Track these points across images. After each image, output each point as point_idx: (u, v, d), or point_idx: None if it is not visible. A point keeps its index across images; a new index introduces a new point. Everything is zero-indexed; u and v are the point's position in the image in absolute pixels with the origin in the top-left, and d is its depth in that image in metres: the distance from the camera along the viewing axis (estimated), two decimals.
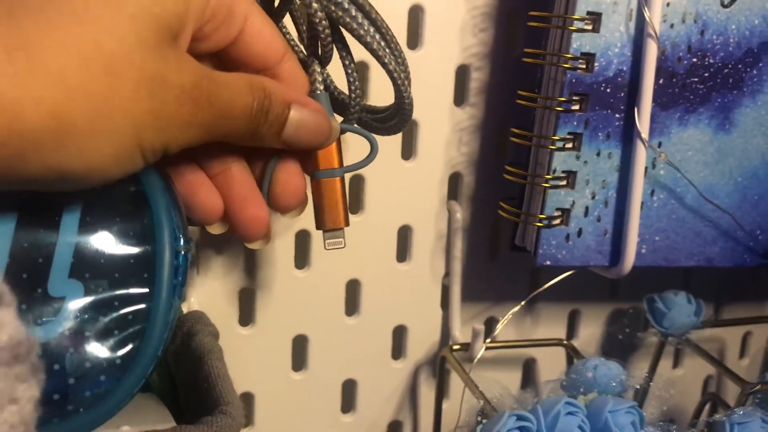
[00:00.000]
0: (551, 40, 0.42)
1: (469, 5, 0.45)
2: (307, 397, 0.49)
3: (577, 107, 0.42)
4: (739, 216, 0.46)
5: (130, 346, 0.30)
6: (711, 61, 0.43)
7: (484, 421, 0.39)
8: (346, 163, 0.36)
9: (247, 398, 0.48)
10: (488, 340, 0.46)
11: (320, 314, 0.48)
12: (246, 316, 0.47)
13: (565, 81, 0.41)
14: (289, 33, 0.38)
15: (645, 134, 0.42)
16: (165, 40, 0.28)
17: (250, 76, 0.32)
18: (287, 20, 0.37)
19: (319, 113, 0.34)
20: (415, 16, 0.45)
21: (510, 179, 0.45)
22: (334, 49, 0.35)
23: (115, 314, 0.29)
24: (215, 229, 0.35)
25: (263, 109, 0.31)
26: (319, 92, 0.35)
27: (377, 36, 0.34)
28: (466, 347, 0.47)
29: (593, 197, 0.44)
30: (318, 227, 0.37)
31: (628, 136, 0.43)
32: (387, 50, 0.35)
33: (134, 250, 0.30)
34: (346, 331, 0.49)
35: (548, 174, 0.43)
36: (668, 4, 0.42)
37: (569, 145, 0.43)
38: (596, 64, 0.41)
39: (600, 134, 0.43)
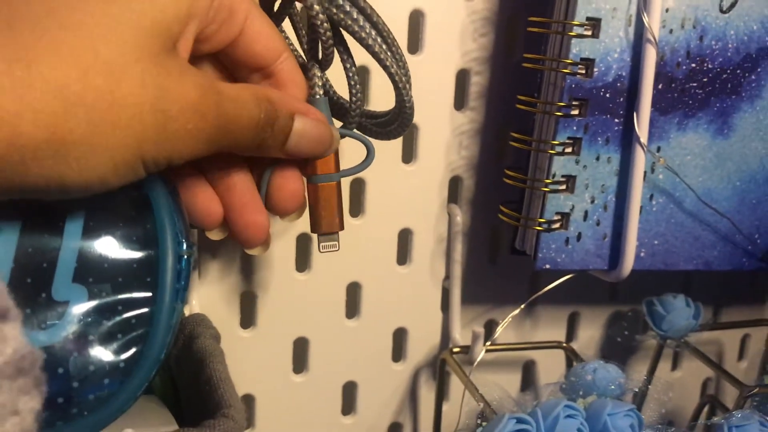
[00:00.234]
0: (551, 46, 0.43)
1: (469, 10, 0.46)
2: (307, 399, 0.50)
3: (576, 112, 0.42)
4: (738, 220, 0.47)
5: (133, 350, 0.30)
6: (710, 66, 0.44)
7: (484, 423, 0.39)
8: (342, 167, 0.37)
9: (248, 400, 0.48)
10: (488, 343, 0.46)
11: (321, 317, 0.48)
12: (247, 319, 0.47)
13: (564, 86, 0.42)
14: (288, 38, 0.38)
15: (644, 139, 0.42)
16: (166, 48, 0.27)
17: (255, 87, 0.31)
18: (287, 26, 0.37)
19: (322, 123, 0.34)
20: (416, 20, 0.45)
21: (510, 183, 0.45)
22: (335, 52, 0.35)
23: (118, 318, 0.30)
24: (215, 235, 0.35)
25: (269, 121, 0.31)
26: (318, 97, 0.35)
27: (379, 39, 0.34)
28: (466, 350, 0.47)
29: (592, 201, 0.44)
30: (313, 230, 0.37)
31: (627, 140, 0.43)
32: (388, 53, 0.34)
33: (137, 254, 0.30)
34: (347, 334, 0.49)
35: (548, 178, 0.43)
36: (667, 10, 0.42)
37: (569, 150, 0.43)
38: (596, 69, 0.42)
39: (599, 139, 0.43)
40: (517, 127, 0.45)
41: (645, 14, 0.41)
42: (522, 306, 0.47)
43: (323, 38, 0.34)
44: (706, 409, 0.53)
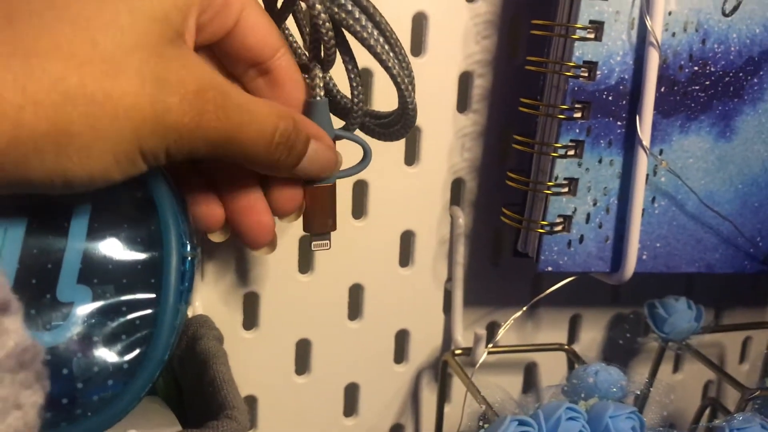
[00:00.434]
0: (554, 48, 0.43)
1: (472, 13, 0.46)
2: (309, 401, 0.50)
3: (579, 115, 0.42)
4: (740, 223, 0.47)
5: (137, 351, 0.30)
6: (712, 69, 0.44)
7: (486, 425, 0.39)
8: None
9: (250, 401, 0.48)
10: (490, 345, 0.46)
11: (323, 318, 0.49)
12: (250, 320, 0.47)
13: (567, 89, 0.42)
14: (292, 35, 0.38)
15: (646, 142, 0.43)
16: (166, 38, 0.27)
17: (279, 105, 0.32)
18: (291, 25, 0.37)
19: (331, 150, 0.35)
20: (419, 23, 0.45)
21: (512, 185, 0.45)
22: (337, 53, 0.35)
23: (122, 319, 0.30)
24: (216, 237, 0.36)
25: (288, 142, 0.31)
26: (318, 98, 0.35)
27: (381, 39, 0.34)
28: (468, 352, 0.47)
29: (595, 204, 0.44)
30: (305, 229, 0.37)
31: (629, 143, 0.43)
32: (391, 54, 0.34)
33: (142, 255, 0.31)
34: (349, 335, 0.49)
35: (550, 181, 0.43)
36: (670, 13, 0.42)
37: (571, 153, 0.43)
38: (598, 72, 0.42)
39: (602, 142, 0.43)
40: (520, 129, 0.45)
41: (648, 17, 0.41)
42: (524, 308, 0.47)
43: (325, 38, 0.33)
44: (707, 411, 0.53)
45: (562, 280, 0.46)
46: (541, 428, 0.36)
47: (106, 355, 0.29)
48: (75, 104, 0.25)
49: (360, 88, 0.36)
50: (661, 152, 0.44)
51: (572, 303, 0.54)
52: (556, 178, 0.43)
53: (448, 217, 0.49)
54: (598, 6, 0.41)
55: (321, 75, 0.35)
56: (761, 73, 0.45)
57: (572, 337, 0.56)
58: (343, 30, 0.34)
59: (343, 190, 0.46)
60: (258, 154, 0.31)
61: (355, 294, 0.49)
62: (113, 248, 0.30)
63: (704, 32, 0.43)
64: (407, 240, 0.49)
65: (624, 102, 0.43)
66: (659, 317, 0.50)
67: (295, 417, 0.50)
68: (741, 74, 0.44)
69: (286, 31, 0.38)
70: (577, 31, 0.41)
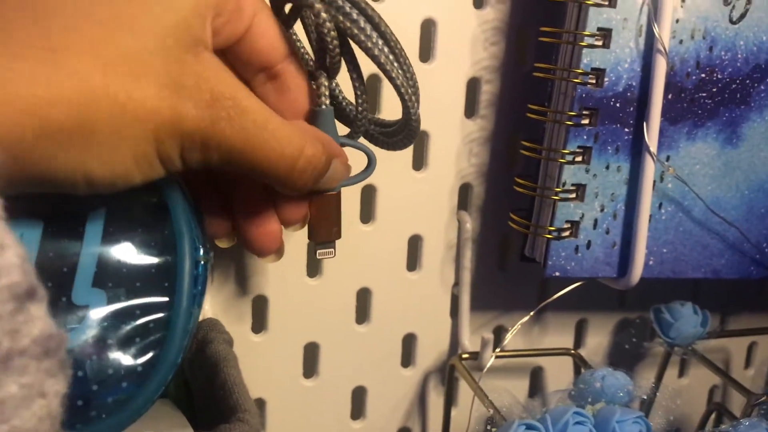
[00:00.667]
0: (562, 55, 0.43)
1: (481, 19, 0.46)
2: (317, 404, 0.50)
3: (586, 121, 0.43)
4: (746, 229, 0.47)
5: (150, 354, 0.30)
6: (719, 76, 0.44)
7: (494, 429, 0.39)
8: None
9: (259, 404, 0.49)
10: (497, 349, 0.46)
11: (331, 322, 0.49)
12: (258, 324, 0.48)
13: (575, 95, 0.42)
14: (300, 41, 0.38)
15: (653, 148, 0.43)
16: (186, 43, 0.27)
17: (310, 131, 0.32)
18: (300, 32, 0.38)
19: (346, 165, 0.35)
20: (428, 29, 0.45)
21: (520, 191, 0.45)
22: (342, 62, 0.35)
23: (136, 322, 0.30)
24: (223, 243, 0.36)
25: (314, 170, 0.32)
26: (324, 107, 0.35)
27: (386, 49, 0.34)
28: (475, 356, 0.47)
29: (602, 210, 0.44)
30: (309, 238, 0.37)
31: (636, 149, 0.44)
32: (395, 64, 0.34)
33: (155, 260, 0.31)
34: (357, 339, 0.50)
35: (558, 186, 0.43)
36: (677, 21, 0.42)
37: (579, 159, 0.43)
38: (606, 79, 0.42)
39: (609, 148, 0.43)
40: (528, 135, 0.46)
41: (655, 25, 0.41)
42: (531, 313, 0.47)
43: (330, 47, 0.33)
44: (713, 416, 0.53)
45: (569, 285, 0.46)
46: None
47: (120, 357, 0.30)
48: (100, 103, 0.25)
49: (364, 96, 0.36)
50: (668, 159, 0.44)
51: (579, 308, 0.55)
52: (564, 184, 0.43)
53: (455, 222, 0.49)
54: (606, 13, 0.41)
55: (327, 83, 0.35)
56: None
57: (578, 341, 0.56)
58: (348, 39, 0.34)
59: (352, 194, 0.46)
60: (278, 176, 0.31)
61: (363, 298, 0.49)
62: (127, 252, 0.31)
63: (711, 39, 0.43)
64: (415, 244, 0.49)
65: (631, 109, 0.43)
66: (665, 322, 0.50)
67: (303, 420, 0.50)
68: (748, 81, 0.45)
69: (294, 37, 0.38)
70: (585, 38, 0.41)
